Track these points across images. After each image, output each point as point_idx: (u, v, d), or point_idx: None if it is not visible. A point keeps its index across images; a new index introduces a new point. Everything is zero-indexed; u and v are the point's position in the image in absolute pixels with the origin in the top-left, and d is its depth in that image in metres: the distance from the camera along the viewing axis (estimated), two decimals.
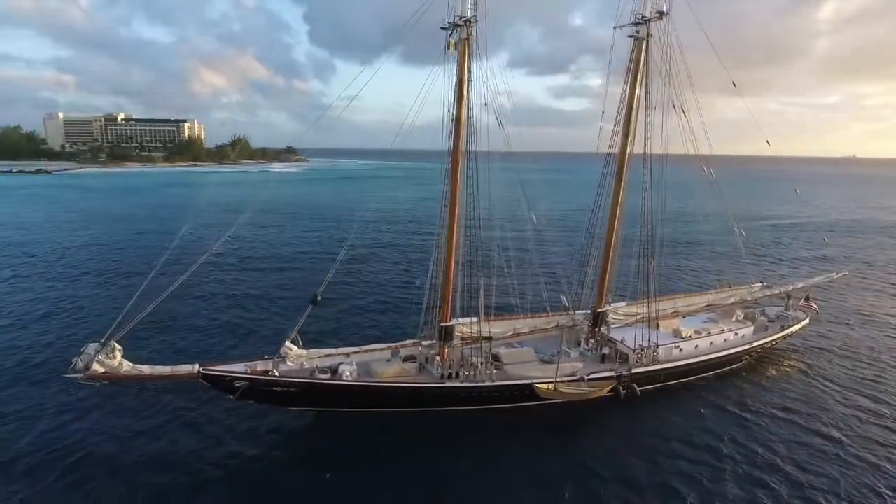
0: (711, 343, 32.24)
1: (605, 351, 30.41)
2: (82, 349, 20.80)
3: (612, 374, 28.33)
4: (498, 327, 29.12)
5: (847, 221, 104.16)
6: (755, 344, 33.58)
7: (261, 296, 45.67)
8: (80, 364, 20.28)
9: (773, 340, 34.91)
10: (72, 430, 24.66)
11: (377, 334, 34.42)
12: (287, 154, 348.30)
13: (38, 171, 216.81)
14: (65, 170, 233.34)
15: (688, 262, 58.09)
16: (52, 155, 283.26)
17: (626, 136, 30.00)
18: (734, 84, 31.44)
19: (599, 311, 31.70)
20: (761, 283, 38.23)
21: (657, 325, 32.06)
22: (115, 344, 20.93)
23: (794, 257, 66.50)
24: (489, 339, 27.35)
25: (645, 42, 28.95)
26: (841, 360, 34.88)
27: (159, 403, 27.02)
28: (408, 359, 27.36)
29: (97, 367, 20.38)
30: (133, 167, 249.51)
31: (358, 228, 79.56)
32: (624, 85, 29.59)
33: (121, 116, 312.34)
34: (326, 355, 26.57)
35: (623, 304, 32.66)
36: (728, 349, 32.29)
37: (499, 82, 25.69)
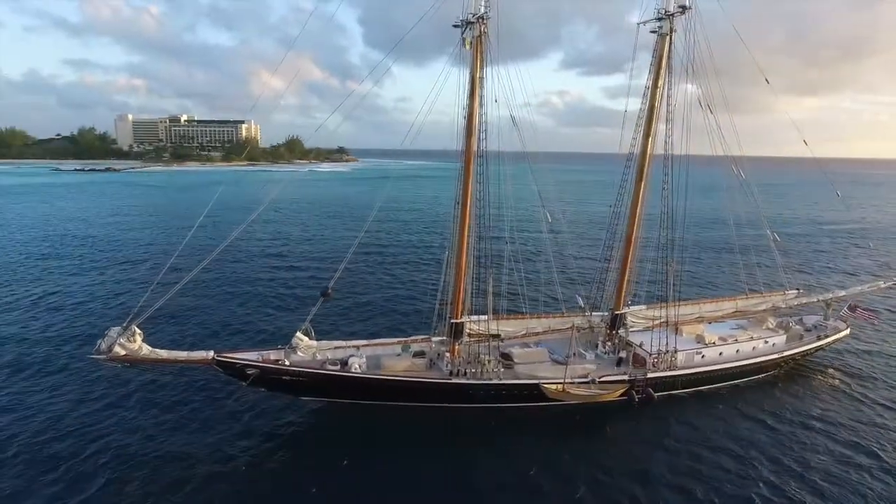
0: (738, 351, 30.99)
1: (623, 354, 29.77)
2: (105, 332, 22.23)
3: (626, 377, 27.68)
4: (510, 326, 29.12)
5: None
6: (786, 353, 31.93)
7: (278, 288, 47.35)
8: (104, 346, 21.61)
9: (807, 350, 33.07)
10: (85, 412, 26.27)
11: (388, 329, 34.95)
12: (338, 154, 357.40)
13: (107, 170, 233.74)
14: (131, 168, 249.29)
15: (716, 267, 55.99)
16: (120, 154, 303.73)
17: (647, 135, 29.27)
18: (767, 81, 30.07)
19: (618, 313, 31.03)
20: (797, 290, 36.14)
21: (679, 330, 31.22)
22: (136, 328, 22.18)
23: (838, 264, 62.64)
24: (497, 336, 27.33)
25: (668, 38, 28.13)
26: (883, 374, 32.53)
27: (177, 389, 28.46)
28: (418, 354, 27.72)
29: (118, 350, 21.58)
30: (192, 166, 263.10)
31: (375, 225, 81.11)
32: (647, 82, 28.94)
33: (184, 118, 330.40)
34: (337, 347, 27.23)
35: (643, 306, 31.80)
36: (756, 357, 30.95)
37: (512, 79, 25.36)
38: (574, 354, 29.00)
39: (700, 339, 31.22)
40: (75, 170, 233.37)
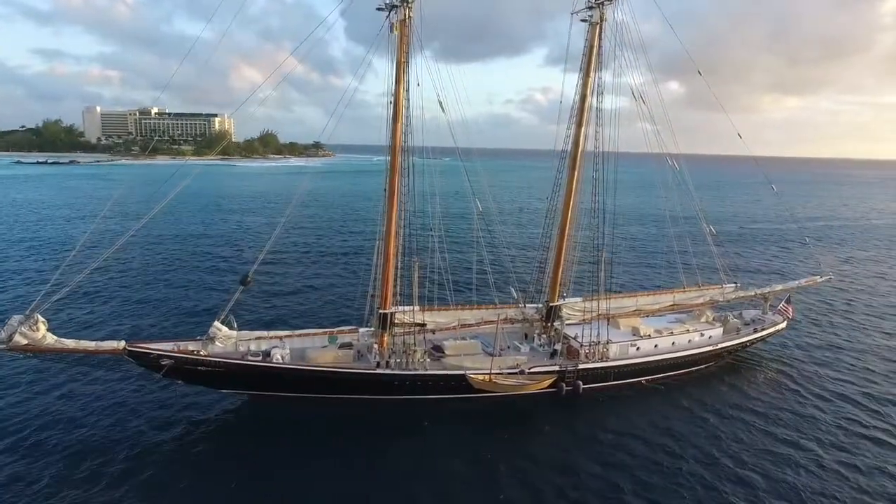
0: (674, 343, 31.13)
1: (557, 347, 29.62)
2: (6, 320, 21.26)
3: (556, 368, 27.48)
4: (441, 317, 28.80)
5: (841, 225, 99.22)
6: (721, 346, 32.16)
7: (198, 275, 47.44)
8: (4, 335, 20.65)
9: (744, 343, 33.36)
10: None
11: (315, 320, 34.47)
12: (314, 149, 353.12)
13: (71, 162, 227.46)
14: (96, 161, 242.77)
15: (653, 261, 56.30)
16: (88, 147, 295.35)
17: (578, 125, 29.22)
18: (699, 73, 30.15)
19: (552, 305, 30.85)
20: (735, 284, 36.47)
21: (616, 324, 31.54)
22: (39, 316, 21.24)
23: (776, 260, 63.76)
24: (423, 325, 27.02)
25: (598, 27, 28.02)
26: (818, 367, 33.01)
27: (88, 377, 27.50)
28: (344, 346, 27.25)
29: (19, 339, 20.69)
30: (162, 160, 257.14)
31: (306, 217, 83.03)
32: (578, 73, 28.82)
33: (154, 111, 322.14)
34: (258, 338, 26.68)
35: (578, 299, 31.68)
36: (692, 350, 31.10)
37: (439, 69, 25.13)
38: (507, 347, 28.98)
39: (636, 332, 31.27)
40: (37, 162, 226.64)
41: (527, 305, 30.86)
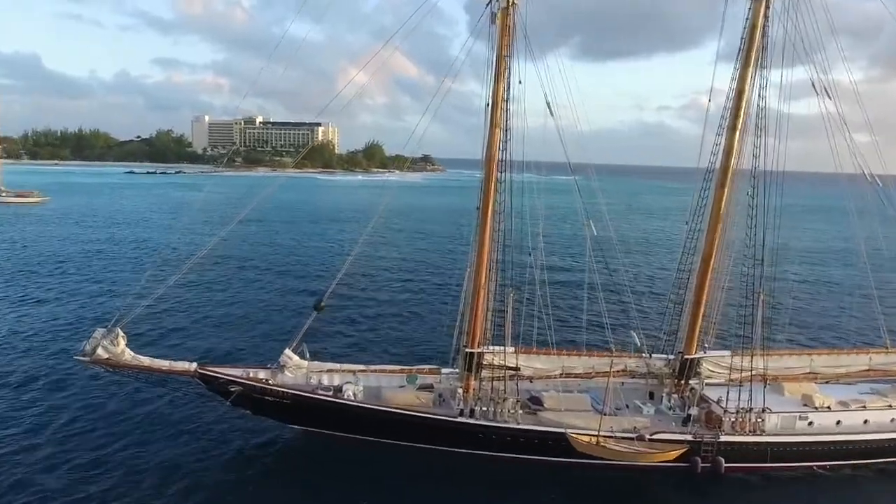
0: (866, 421, 27.94)
1: (693, 411, 27.67)
2: (91, 333, 24.78)
3: (689, 437, 25.75)
4: (541, 362, 28.47)
5: None
6: None
7: (275, 295, 51.46)
8: (88, 348, 24.09)
9: None
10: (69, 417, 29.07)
11: (393, 356, 35.71)
12: (423, 163, 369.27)
13: (178, 173, 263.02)
14: (201, 172, 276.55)
15: (838, 310, 50.80)
16: (194, 158, 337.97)
17: (732, 129, 27.54)
18: None
19: (689, 357, 29.06)
20: None
21: (780, 389, 29.34)
22: (120, 331, 24.49)
23: None
24: (516, 370, 26.92)
25: (764, 4, 26.45)
26: None
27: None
28: (424, 387, 27.89)
29: (101, 353, 23.96)
30: (262, 172, 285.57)
31: (397, 234, 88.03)
32: (735, 62, 27.35)
33: (259, 120, 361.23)
34: (330, 370, 28.18)
35: (725, 352, 29.52)
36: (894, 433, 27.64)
37: (551, 66, 25.17)
38: (625, 406, 27.90)
39: (808, 402, 28.51)
40: (147, 172, 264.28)
41: (653, 356, 29.54)
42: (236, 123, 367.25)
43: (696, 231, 28.84)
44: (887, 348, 32.28)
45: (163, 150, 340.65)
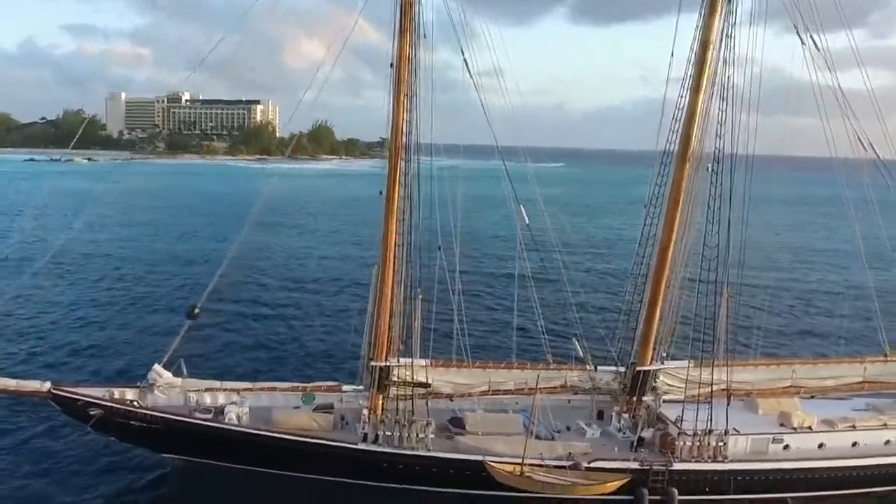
0: (855, 444, 27.86)
1: (646, 434, 27.33)
2: None
3: (634, 465, 25.38)
4: (463, 377, 28.02)
5: None
6: None
7: (138, 306, 50.67)
8: None
9: None
10: None
11: (286, 371, 35.50)
12: (378, 149, 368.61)
13: (89, 160, 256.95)
14: (114, 160, 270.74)
15: (827, 316, 51.26)
16: (108, 143, 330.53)
17: (696, 90, 26.93)
18: None
19: (643, 369, 28.66)
20: None
21: (753, 405, 29.30)
22: None
23: None
24: (425, 386, 26.48)
25: None
26: None
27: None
28: (323, 408, 27.41)
29: None
30: (190, 160, 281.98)
31: (288, 231, 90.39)
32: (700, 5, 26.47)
33: (185, 97, 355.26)
34: (210, 389, 27.61)
35: (686, 362, 29.02)
36: (891, 457, 27.52)
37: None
38: (565, 428, 27.54)
39: (785, 420, 28.33)
40: (51, 160, 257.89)
41: (598, 368, 29.20)
42: (158, 102, 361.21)
43: (651, 225, 28.45)
44: (886, 356, 32.02)
45: (71, 133, 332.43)
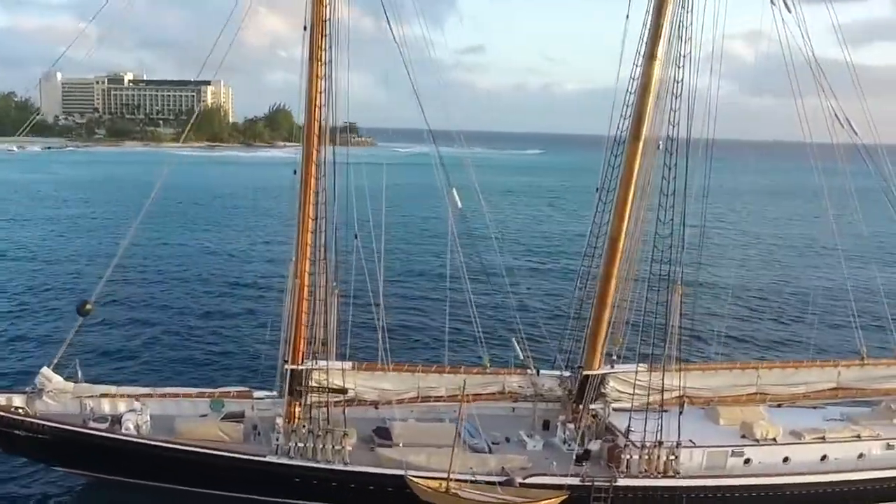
0: (825, 457, 27.85)
1: (594, 446, 27.23)
2: None
3: (573, 481, 25.02)
4: (390, 382, 27.77)
5: None
6: None
7: (33, 304, 50.07)
8: None
9: None
10: None
11: (193, 375, 34.89)
12: (344, 136, 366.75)
13: (20, 149, 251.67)
14: (48, 147, 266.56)
15: (794, 318, 51.32)
16: (42, 129, 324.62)
17: (650, 57, 26.48)
18: None
19: (590, 373, 28.43)
20: None
21: (714, 414, 29.28)
22: None
23: None
24: (342, 391, 26.21)
25: None
26: None
27: None
28: (233, 416, 26.90)
29: None
30: (132, 148, 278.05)
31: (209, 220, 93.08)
32: None
33: (128, 77, 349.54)
34: (106, 395, 27.07)
35: (637, 366, 28.71)
36: (866, 472, 27.69)
37: None
38: (505, 440, 27.53)
39: (747, 432, 28.24)
40: None
41: (541, 373, 28.95)
42: (98, 83, 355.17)
43: (607, 205, 28.20)
44: (863, 360, 31.97)
45: (1, 118, 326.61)
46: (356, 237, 26.24)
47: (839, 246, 33.41)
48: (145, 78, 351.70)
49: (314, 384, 26.51)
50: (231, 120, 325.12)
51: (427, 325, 31.60)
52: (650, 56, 26.59)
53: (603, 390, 28.72)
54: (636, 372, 28.33)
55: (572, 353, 29.37)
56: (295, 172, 25.96)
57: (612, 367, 28.94)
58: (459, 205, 27.20)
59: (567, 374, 29.12)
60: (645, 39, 26.53)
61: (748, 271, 67.12)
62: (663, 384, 27.18)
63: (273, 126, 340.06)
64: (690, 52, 25.84)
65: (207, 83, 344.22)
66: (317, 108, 25.21)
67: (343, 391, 26.33)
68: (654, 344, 28.38)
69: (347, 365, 26.81)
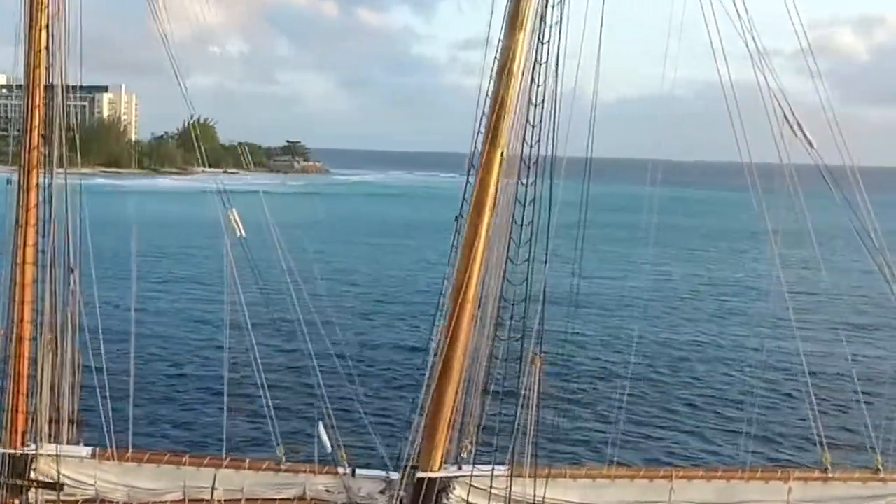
0: None
1: None
2: None
3: None
4: (146, 477, 26.37)
5: None
6: None
7: None
8: None
9: None
10: None
11: None
12: (282, 158, 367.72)
13: None
14: None
15: (727, 401, 51.43)
16: None
17: (512, 29, 24.44)
18: None
19: (428, 476, 26.79)
20: None
21: None
22: None
23: None
24: (56, 486, 24.98)
25: None
26: None
27: None
28: None
29: None
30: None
31: None
32: None
33: None
34: None
35: (489, 468, 27.36)
36: None
37: None
38: None
39: None
40: None
41: (357, 472, 27.45)
42: None
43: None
44: (827, 471, 29.18)
45: None
46: (71, 271, 25.13)
47: (788, 303, 32.39)
48: (15, 83, 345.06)
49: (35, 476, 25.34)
50: (134, 137, 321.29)
51: (200, 398, 29.74)
52: (511, 27, 24.57)
53: (446, 500, 27.21)
54: (491, 476, 26.92)
55: (402, 447, 27.47)
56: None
57: (460, 467, 27.51)
58: (241, 233, 25.92)
59: (394, 475, 27.30)
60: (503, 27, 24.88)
61: (658, 329, 66.52)
62: (534, 493, 26.38)
63: (186, 147, 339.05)
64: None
65: (104, 89, 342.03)
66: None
67: (57, 486, 24.90)
68: (518, 437, 26.71)
69: (86, 451, 25.44)
